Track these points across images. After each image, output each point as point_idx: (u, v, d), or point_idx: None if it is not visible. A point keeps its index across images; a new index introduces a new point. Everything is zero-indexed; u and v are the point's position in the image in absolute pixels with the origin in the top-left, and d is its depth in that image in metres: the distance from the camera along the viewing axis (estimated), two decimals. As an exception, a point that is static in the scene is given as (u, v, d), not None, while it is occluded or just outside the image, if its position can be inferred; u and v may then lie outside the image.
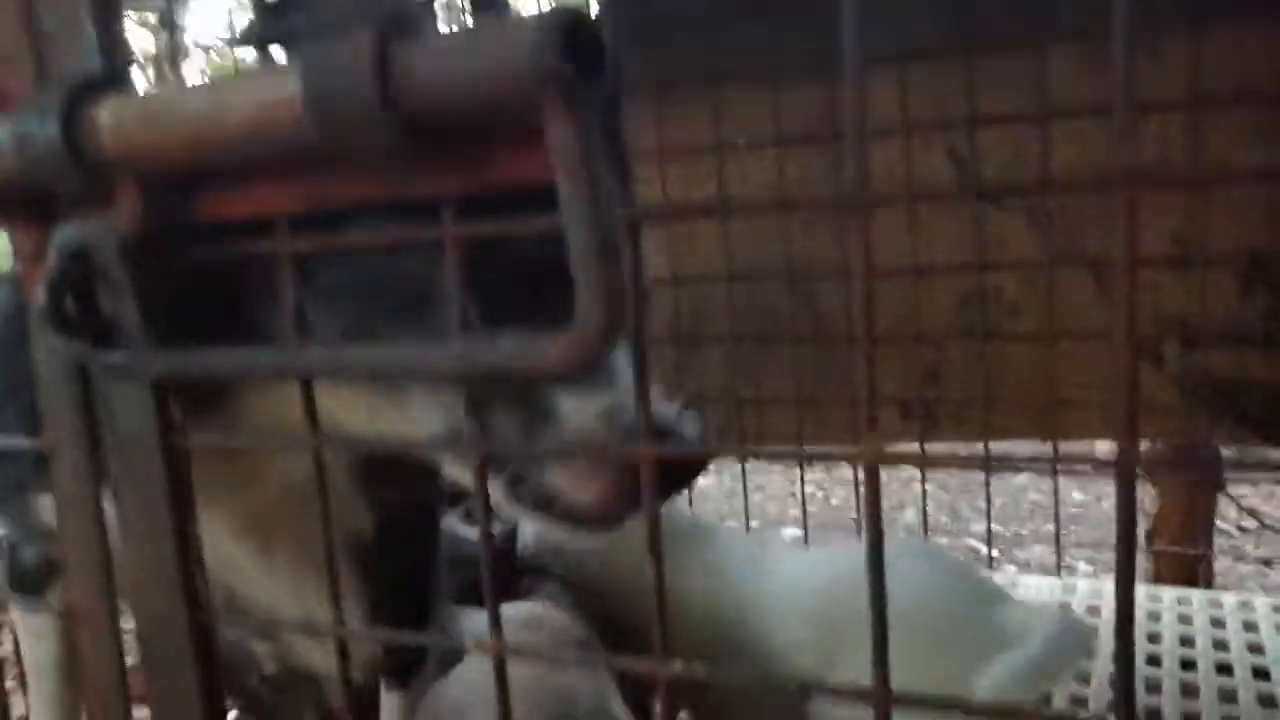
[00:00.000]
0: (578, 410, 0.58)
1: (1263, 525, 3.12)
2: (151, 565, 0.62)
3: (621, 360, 0.62)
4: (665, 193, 1.68)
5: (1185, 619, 1.41)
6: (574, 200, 0.41)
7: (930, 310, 1.61)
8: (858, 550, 1.25)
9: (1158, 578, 2.05)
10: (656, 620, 0.49)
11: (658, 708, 0.49)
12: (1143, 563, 2.23)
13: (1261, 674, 1.20)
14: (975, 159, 1.53)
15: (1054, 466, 1.69)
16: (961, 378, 1.63)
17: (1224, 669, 1.26)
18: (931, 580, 1.05)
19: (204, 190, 0.52)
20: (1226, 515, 3.95)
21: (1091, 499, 4.40)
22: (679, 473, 0.62)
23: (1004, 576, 1.63)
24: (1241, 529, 3.85)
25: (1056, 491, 1.82)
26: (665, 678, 0.49)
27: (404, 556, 0.98)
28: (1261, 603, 1.45)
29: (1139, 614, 1.41)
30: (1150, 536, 2.38)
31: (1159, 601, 1.48)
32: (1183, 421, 1.51)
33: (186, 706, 0.63)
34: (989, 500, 1.96)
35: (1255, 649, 1.31)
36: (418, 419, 0.66)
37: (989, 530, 1.94)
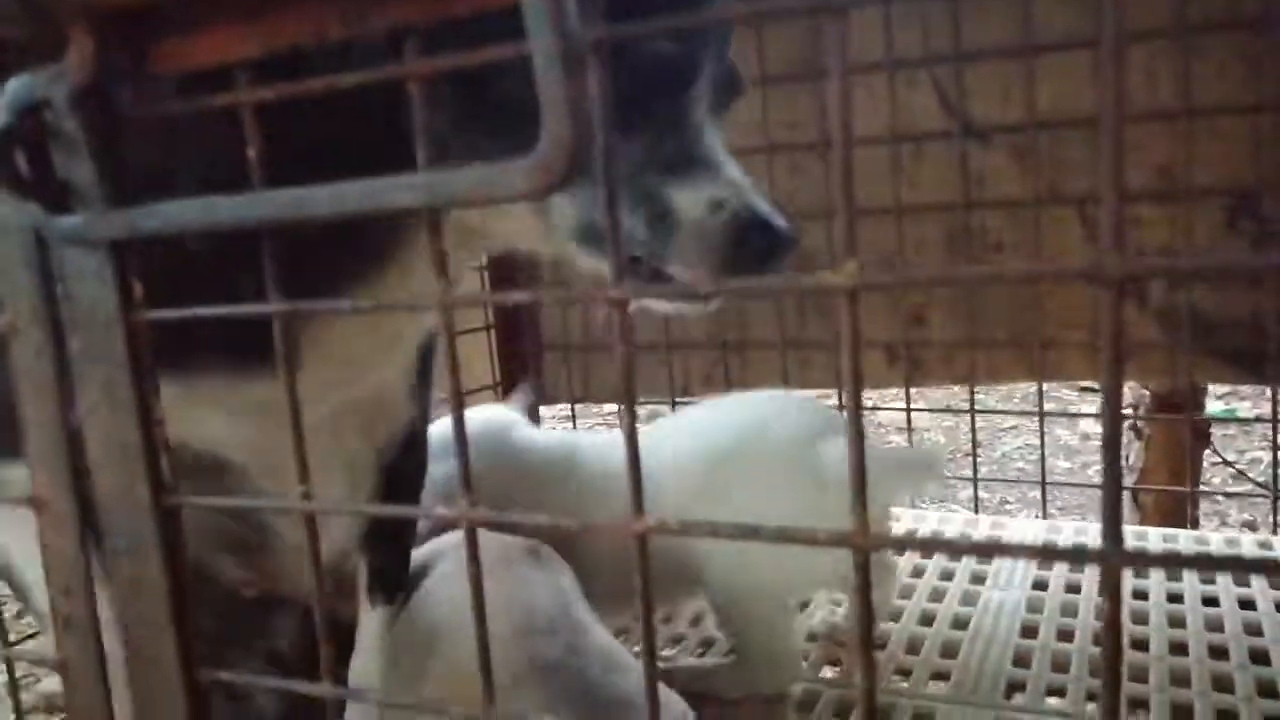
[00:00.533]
0: (690, 202, 0.67)
1: (1244, 477, 3.13)
2: (114, 445, 0.60)
3: (722, 153, 0.73)
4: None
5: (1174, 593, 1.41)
6: (535, 11, 0.39)
7: (915, 251, 1.60)
8: (729, 403, 1.27)
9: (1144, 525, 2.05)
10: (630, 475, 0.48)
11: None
12: (1129, 515, 2.24)
13: (1250, 616, 1.19)
14: (961, 96, 1.52)
15: (1040, 407, 1.68)
16: (947, 320, 1.62)
17: (1210, 600, 1.26)
18: (798, 419, 1.09)
19: (160, 38, 0.50)
20: (1211, 482, 3.97)
21: (1077, 467, 4.42)
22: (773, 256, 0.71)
23: (988, 518, 1.62)
24: (1226, 494, 3.87)
25: (1042, 436, 1.81)
26: (641, 532, 0.48)
27: (410, 473, 0.97)
28: (1249, 540, 1.46)
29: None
30: (1135, 494, 2.39)
31: (1145, 540, 1.48)
32: (1166, 359, 1.51)
33: (151, 591, 0.61)
34: (975, 446, 1.96)
35: (1242, 584, 1.31)
36: (556, 223, 0.73)
37: (975, 495, 1.92)
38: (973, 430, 1.76)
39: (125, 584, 0.63)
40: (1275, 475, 1.51)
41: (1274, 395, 1.48)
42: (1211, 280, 1.45)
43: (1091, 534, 1.51)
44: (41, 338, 0.61)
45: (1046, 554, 0.42)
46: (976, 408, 1.67)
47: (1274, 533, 1.54)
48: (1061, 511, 3.72)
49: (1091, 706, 1.02)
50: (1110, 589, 0.39)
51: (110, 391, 0.60)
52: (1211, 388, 2.97)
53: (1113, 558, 0.38)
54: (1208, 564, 0.40)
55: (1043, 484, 1.80)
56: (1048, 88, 1.47)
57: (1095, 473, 4.08)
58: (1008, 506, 3.88)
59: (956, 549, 0.44)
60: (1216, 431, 2.93)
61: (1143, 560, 0.38)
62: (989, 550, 0.44)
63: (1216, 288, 1.46)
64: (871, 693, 0.43)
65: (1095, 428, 4.82)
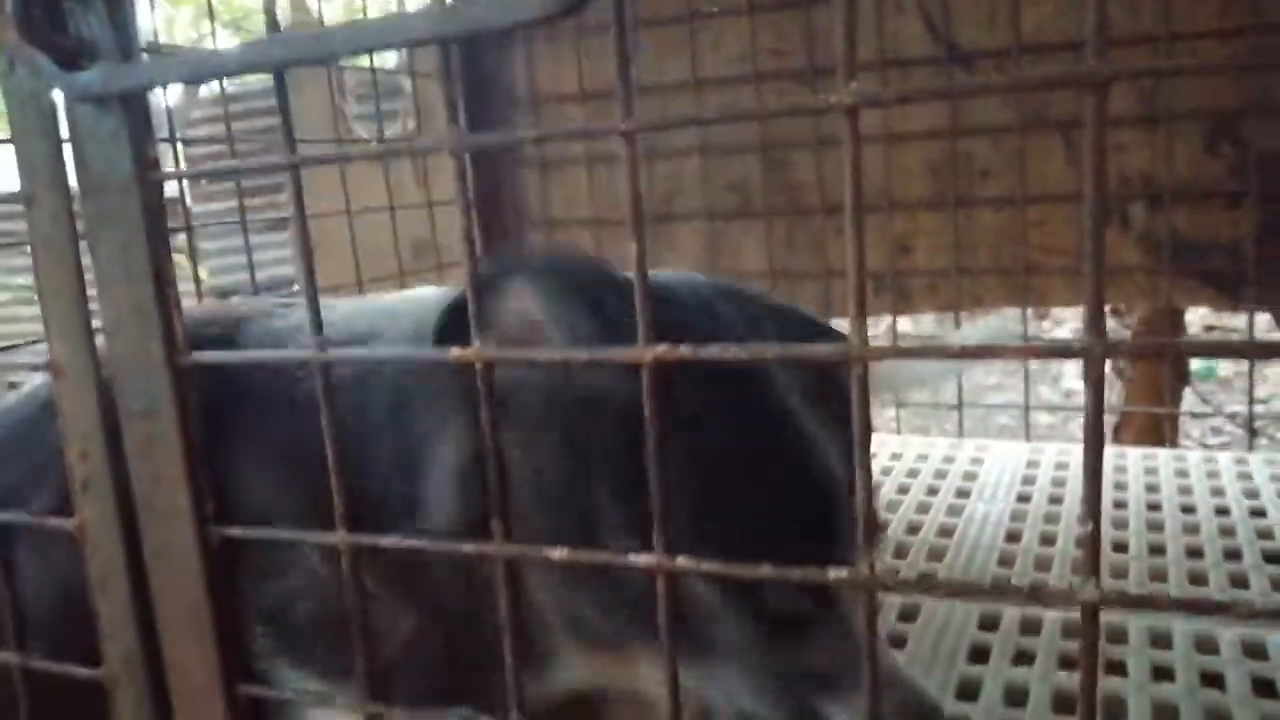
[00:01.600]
0: None
1: (1221, 414, 3.18)
2: (128, 307, 0.62)
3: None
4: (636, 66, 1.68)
5: (1151, 472, 1.45)
6: None
7: (901, 179, 1.62)
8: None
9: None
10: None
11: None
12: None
13: (1227, 532, 1.22)
14: (948, 22, 1.54)
15: (1025, 335, 1.71)
16: (933, 248, 1.65)
17: (1189, 520, 1.29)
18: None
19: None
20: (1189, 435, 4.03)
21: (1059, 421, 4.47)
22: None
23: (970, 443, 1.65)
24: (1205, 446, 3.93)
25: (1027, 367, 1.84)
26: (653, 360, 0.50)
27: None
28: (1225, 458, 1.49)
29: (1105, 471, 1.44)
30: (1117, 430, 2.43)
31: (1124, 459, 1.51)
32: (1147, 283, 1.54)
33: (165, 449, 0.64)
34: (960, 390, 1.98)
35: (1218, 494, 1.35)
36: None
37: (960, 418, 1.95)
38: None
39: (139, 444, 0.65)
40: (1251, 398, 1.55)
41: (1250, 318, 1.51)
42: (1192, 203, 1.48)
43: (1074, 454, 1.54)
44: (57, 203, 0.63)
45: (1035, 353, 0.45)
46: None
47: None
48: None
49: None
50: (1094, 380, 0.42)
51: (126, 254, 0.62)
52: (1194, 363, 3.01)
53: (1095, 349, 0.41)
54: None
55: (1026, 402, 1.84)
56: (1032, 12, 1.49)
57: (1076, 427, 4.13)
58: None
59: (949, 354, 0.47)
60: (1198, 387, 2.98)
61: (1122, 350, 0.40)
62: (979, 354, 0.46)
63: (1197, 211, 1.48)
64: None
65: (1079, 384, 4.88)
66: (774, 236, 1.72)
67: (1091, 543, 0.46)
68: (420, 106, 1.80)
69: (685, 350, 0.48)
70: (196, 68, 0.54)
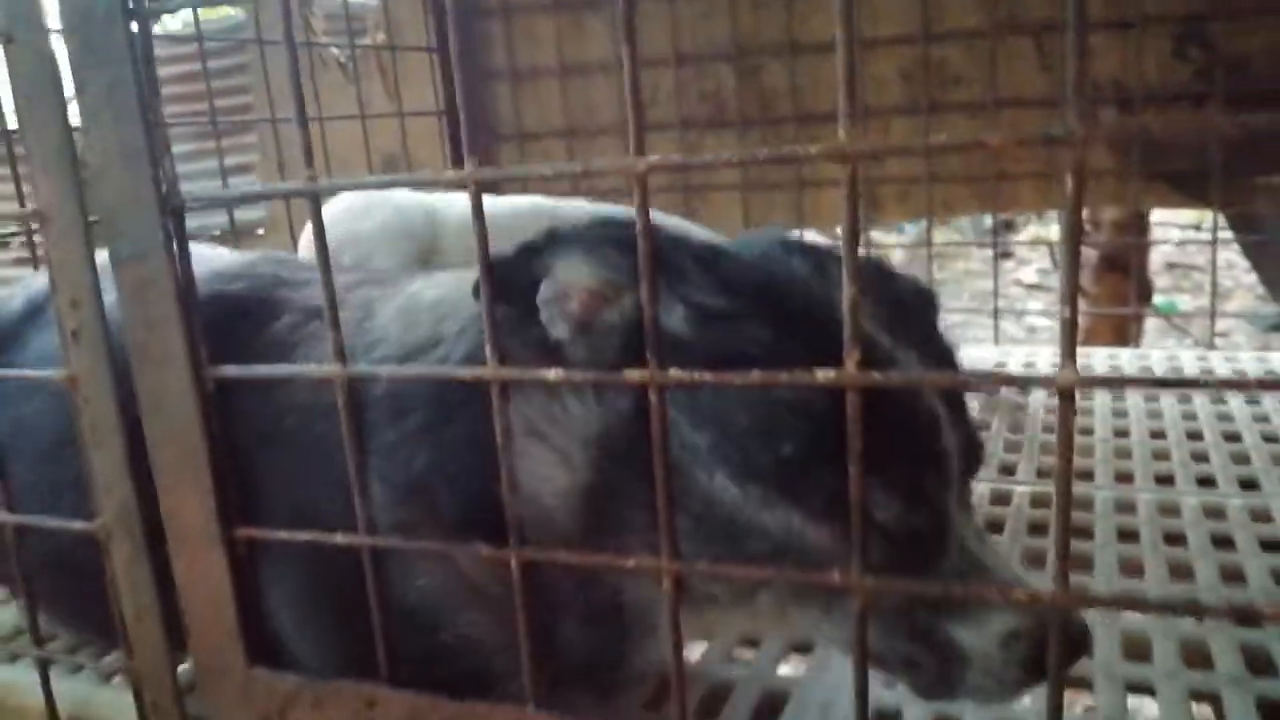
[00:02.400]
0: (979, 642, 0.58)
1: (1186, 334, 3.25)
2: (116, 150, 0.62)
3: (983, 543, 0.62)
4: (611, -27, 1.67)
5: (1115, 369, 1.48)
6: None
7: (875, 86, 1.63)
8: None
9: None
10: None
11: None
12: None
13: (1195, 436, 1.25)
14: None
15: (994, 243, 1.73)
16: (903, 156, 1.66)
17: (1153, 407, 1.33)
18: None
19: None
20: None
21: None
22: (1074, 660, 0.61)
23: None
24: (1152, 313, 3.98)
25: (996, 266, 1.87)
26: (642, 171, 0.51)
27: None
28: (1188, 356, 1.53)
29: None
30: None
31: (1090, 358, 1.55)
32: (1116, 185, 1.57)
33: (158, 293, 0.64)
34: (931, 278, 2.00)
35: (1185, 400, 1.39)
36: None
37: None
38: (930, 265, 1.81)
39: (131, 290, 0.65)
40: (1214, 292, 1.58)
41: (1214, 217, 1.54)
42: (1160, 107, 1.50)
43: (1042, 354, 1.58)
44: (39, 42, 0.62)
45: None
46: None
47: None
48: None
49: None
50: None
51: (112, 95, 0.61)
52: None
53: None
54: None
55: (995, 308, 1.87)
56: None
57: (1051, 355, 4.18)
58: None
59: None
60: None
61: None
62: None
63: (1164, 114, 1.51)
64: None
65: (1042, 321, 4.95)
66: (747, 145, 1.72)
67: (1068, 329, 0.48)
68: (389, 16, 1.78)
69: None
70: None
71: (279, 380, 0.70)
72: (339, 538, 0.64)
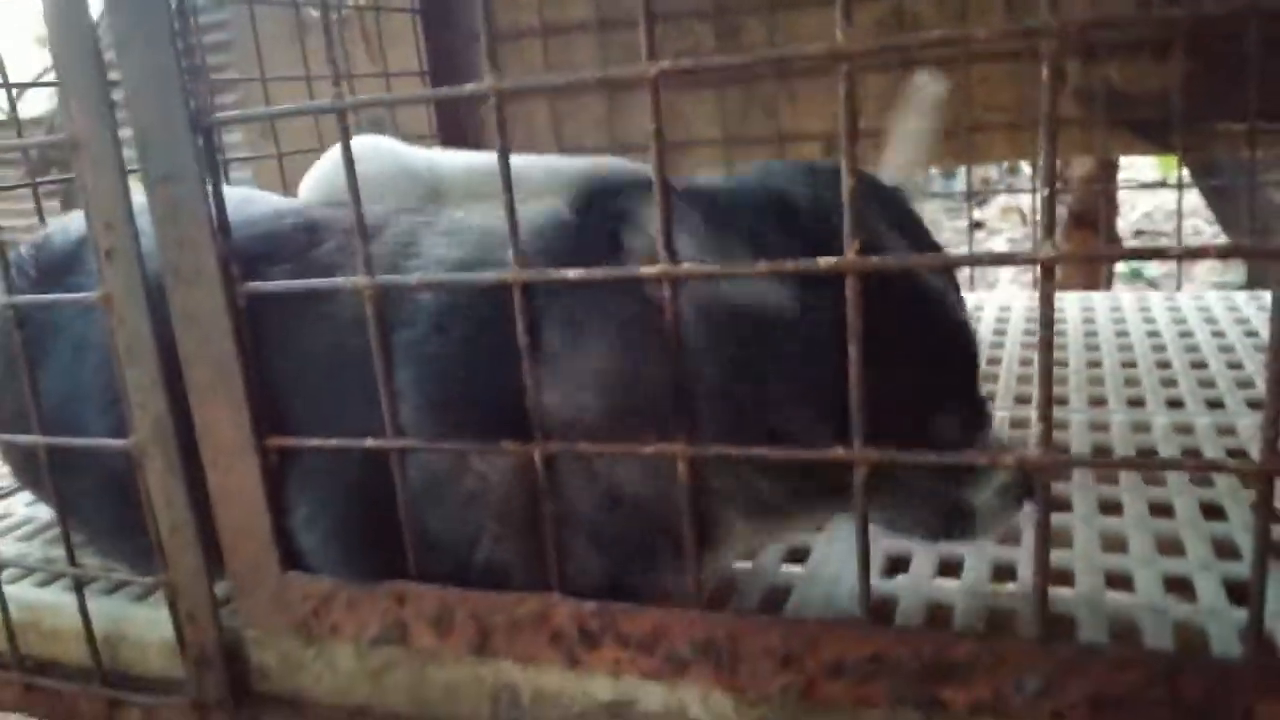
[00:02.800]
0: (986, 502, 0.66)
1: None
2: (149, 71, 0.65)
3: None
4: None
5: (1088, 310, 1.54)
6: None
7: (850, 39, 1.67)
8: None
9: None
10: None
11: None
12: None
13: (1163, 365, 1.30)
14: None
15: (969, 189, 1.78)
16: (879, 109, 1.70)
17: (1124, 342, 1.39)
18: None
19: None
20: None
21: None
22: None
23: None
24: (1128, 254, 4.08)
25: (971, 236, 1.92)
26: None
27: None
28: (1157, 297, 1.59)
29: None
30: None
31: (1062, 300, 1.60)
32: (1083, 135, 1.62)
33: (190, 212, 0.67)
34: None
35: (1149, 320, 1.45)
36: None
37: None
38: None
39: (163, 209, 0.68)
40: (1179, 234, 1.64)
41: (1179, 161, 1.60)
42: (1124, 56, 1.55)
43: (1017, 298, 1.63)
44: (71, -24, 0.65)
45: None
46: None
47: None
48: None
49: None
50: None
51: (144, 19, 0.64)
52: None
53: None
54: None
55: (970, 280, 1.93)
56: None
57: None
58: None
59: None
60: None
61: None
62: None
63: (1127, 64, 1.56)
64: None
65: (1013, 290, 5.03)
66: (727, 104, 1.76)
67: (1047, 206, 0.53)
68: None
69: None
70: None
71: (322, 296, 0.72)
72: (368, 442, 0.68)
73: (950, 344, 0.65)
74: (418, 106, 1.81)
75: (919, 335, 0.64)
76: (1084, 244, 2.46)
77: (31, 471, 0.91)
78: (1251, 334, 1.36)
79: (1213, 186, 1.84)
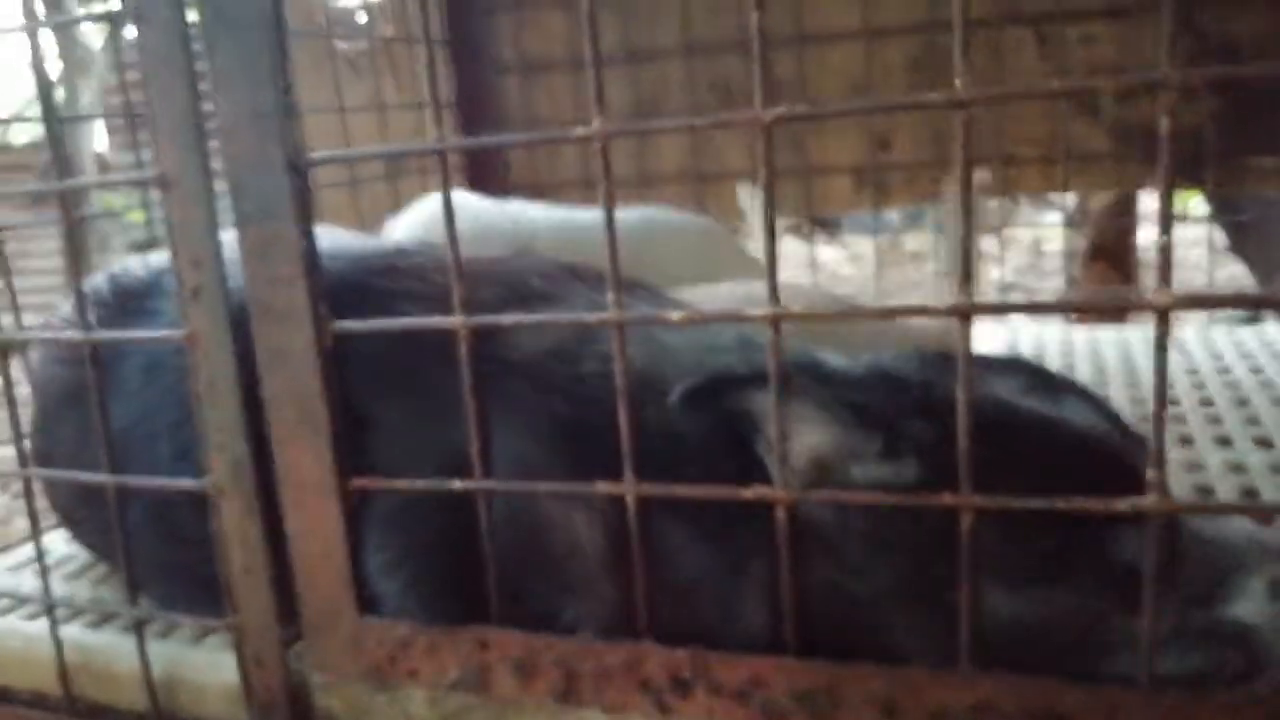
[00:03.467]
0: (1256, 612, 0.61)
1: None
2: (247, 111, 0.65)
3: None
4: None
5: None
6: None
7: (881, 75, 1.68)
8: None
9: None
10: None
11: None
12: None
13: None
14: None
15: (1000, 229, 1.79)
16: (911, 143, 1.71)
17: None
18: None
19: None
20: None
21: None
22: None
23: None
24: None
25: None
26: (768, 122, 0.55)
27: None
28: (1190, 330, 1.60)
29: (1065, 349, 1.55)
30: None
31: (1072, 339, 1.61)
32: (1115, 170, 1.63)
33: (282, 248, 0.66)
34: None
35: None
36: None
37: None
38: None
39: (255, 247, 0.68)
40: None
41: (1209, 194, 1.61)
42: (1155, 93, 1.56)
43: (1048, 333, 1.64)
44: (169, 15, 0.65)
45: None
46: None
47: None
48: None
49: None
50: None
51: (245, 58, 0.64)
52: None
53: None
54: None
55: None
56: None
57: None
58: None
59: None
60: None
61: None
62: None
63: (1160, 100, 1.57)
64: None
65: (1019, 319, 5.05)
66: (756, 135, 1.76)
67: (1162, 254, 0.53)
68: (402, 10, 1.81)
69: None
70: None
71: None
72: (455, 484, 0.67)
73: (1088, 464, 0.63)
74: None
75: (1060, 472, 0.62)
76: (1102, 276, 2.47)
77: (80, 509, 0.91)
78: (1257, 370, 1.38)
79: (1235, 222, 1.86)
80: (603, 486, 0.63)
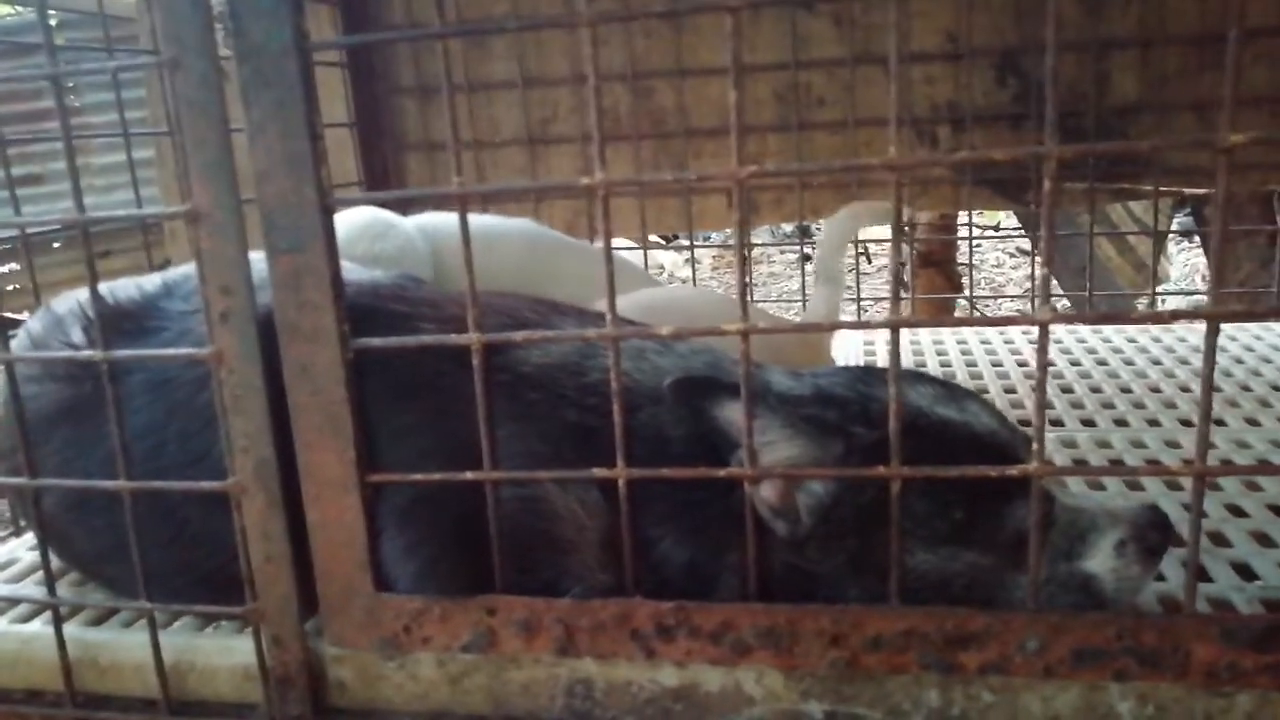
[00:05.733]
0: (1104, 568, 0.81)
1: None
2: (281, 157, 0.74)
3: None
4: None
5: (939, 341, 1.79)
6: None
7: (753, 106, 1.86)
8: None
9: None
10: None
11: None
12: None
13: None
14: (790, -32, 1.78)
15: (800, 243, 2.00)
16: (780, 165, 1.90)
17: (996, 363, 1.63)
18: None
19: None
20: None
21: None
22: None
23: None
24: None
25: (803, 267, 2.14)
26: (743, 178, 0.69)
27: None
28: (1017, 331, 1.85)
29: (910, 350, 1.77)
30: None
31: (919, 336, 1.84)
32: (952, 193, 1.87)
33: (313, 278, 0.76)
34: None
35: (1015, 352, 1.70)
36: None
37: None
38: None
39: (285, 276, 0.77)
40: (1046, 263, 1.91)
41: (1040, 213, 1.86)
42: (986, 125, 1.81)
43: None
44: (205, 68, 0.74)
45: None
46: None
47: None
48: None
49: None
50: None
51: (281, 111, 0.74)
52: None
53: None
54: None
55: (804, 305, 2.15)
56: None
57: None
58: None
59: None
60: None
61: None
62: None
63: (989, 131, 1.82)
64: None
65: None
66: (641, 158, 1.92)
67: (1043, 283, 0.70)
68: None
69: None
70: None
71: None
72: (467, 475, 0.78)
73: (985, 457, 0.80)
74: (344, 153, 1.88)
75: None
76: (930, 281, 2.75)
77: (71, 521, 0.96)
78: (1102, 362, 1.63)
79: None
80: (599, 472, 0.76)
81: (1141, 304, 3.09)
